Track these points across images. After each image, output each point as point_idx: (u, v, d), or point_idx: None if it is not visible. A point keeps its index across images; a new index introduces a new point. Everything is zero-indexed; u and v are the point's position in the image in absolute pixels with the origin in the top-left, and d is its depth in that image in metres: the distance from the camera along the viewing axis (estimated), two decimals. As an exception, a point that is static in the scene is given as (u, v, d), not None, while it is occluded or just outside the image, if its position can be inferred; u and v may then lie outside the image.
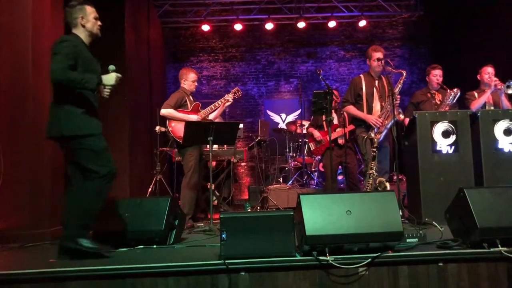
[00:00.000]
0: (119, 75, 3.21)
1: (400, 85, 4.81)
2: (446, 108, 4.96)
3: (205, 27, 8.89)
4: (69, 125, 3.10)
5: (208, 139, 4.42)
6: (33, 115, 4.16)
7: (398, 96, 4.72)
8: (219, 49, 9.78)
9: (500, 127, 4.46)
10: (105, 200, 3.25)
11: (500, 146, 4.44)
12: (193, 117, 4.91)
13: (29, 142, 4.11)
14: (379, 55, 4.91)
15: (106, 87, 3.23)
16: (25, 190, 4.09)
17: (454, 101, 5.02)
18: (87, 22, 3.25)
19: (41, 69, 4.26)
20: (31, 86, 4.16)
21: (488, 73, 5.23)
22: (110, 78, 3.18)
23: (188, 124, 4.48)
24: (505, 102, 5.11)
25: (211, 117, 5.11)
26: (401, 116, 4.81)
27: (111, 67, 3.24)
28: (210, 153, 4.56)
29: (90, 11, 3.27)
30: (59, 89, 3.13)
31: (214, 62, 9.75)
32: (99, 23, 3.33)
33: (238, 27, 8.96)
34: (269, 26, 8.98)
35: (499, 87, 5.05)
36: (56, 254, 3.14)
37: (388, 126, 4.74)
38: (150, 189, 6.11)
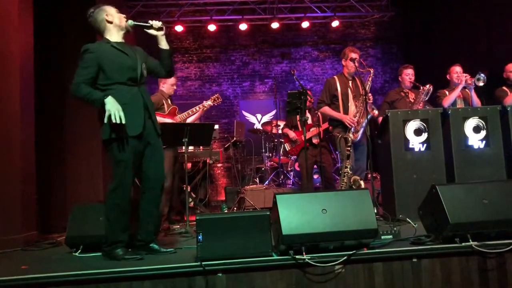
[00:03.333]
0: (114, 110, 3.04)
1: (369, 83, 4.87)
2: (421, 105, 5.06)
3: (179, 28, 8.83)
4: (102, 129, 3.11)
5: (183, 140, 4.39)
6: (-1, 118, 4.06)
7: (370, 94, 4.78)
8: (193, 50, 9.72)
9: (469, 124, 4.56)
10: (125, 214, 3.16)
11: (470, 143, 4.55)
12: (168, 121, 4.87)
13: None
14: (354, 55, 4.96)
15: (153, 23, 3.22)
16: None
17: (427, 97, 5.13)
18: (113, 17, 3.24)
19: (7, 72, 4.15)
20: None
21: (456, 72, 5.36)
22: (109, 105, 3.00)
23: (163, 126, 4.43)
24: (474, 99, 5.23)
25: (189, 121, 5.08)
26: (375, 112, 4.87)
27: (130, 22, 3.26)
28: (186, 155, 4.53)
29: (109, 8, 3.27)
30: None
31: (188, 63, 9.69)
32: (123, 15, 3.30)
33: (211, 27, 8.92)
34: (243, 26, 8.97)
35: (470, 82, 5.17)
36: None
37: (364, 124, 4.80)
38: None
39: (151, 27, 3.24)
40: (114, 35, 3.26)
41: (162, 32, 3.27)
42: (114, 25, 3.24)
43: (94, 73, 3.10)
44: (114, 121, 2.98)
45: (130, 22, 3.26)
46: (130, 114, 3.10)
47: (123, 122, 3.02)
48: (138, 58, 3.25)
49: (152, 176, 3.26)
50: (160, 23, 3.24)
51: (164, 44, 3.32)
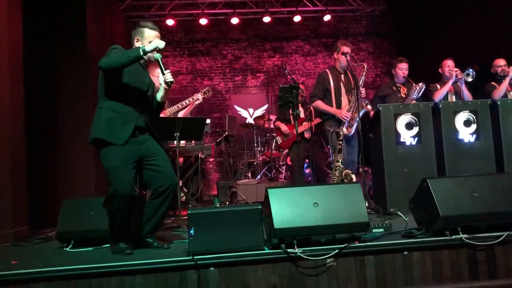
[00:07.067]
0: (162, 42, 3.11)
1: (362, 78, 4.86)
2: (412, 102, 5.06)
3: (170, 22, 8.76)
4: (93, 130, 3.12)
5: (175, 134, 4.38)
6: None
7: (363, 89, 4.78)
8: (184, 44, 9.67)
9: (460, 118, 4.60)
10: (125, 218, 3.19)
11: (460, 137, 4.58)
12: None
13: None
14: (346, 49, 4.95)
15: (166, 75, 3.20)
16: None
17: (419, 95, 5.13)
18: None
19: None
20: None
21: (448, 66, 5.38)
22: (155, 43, 3.06)
23: (154, 120, 4.41)
24: (466, 93, 5.26)
25: (179, 115, 5.03)
26: (369, 107, 4.87)
27: (157, 55, 3.19)
28: (177, 149, 4.51)
29: (147, 35, 3.26)
30: (98, 94, 3.17)
31: (180, 57, 9.64)
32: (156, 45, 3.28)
33: (203, 21, 8.87)
34: (234, 20, 8.93)
35: (460, 76, 5.19)
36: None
37: (357, 119, 4.80)
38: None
39: (164, 75, 3.23)
40: None
41: (166, 86, 3.27)
42: None
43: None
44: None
45: (157, 55, 3.20)
46: (120, 124, 3.12)
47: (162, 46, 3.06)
48: (153, 82, 3.35)
49: (158, 182, 3.26)
50: (172, 80, 3.24)
51: (161, 96, 3.35)
